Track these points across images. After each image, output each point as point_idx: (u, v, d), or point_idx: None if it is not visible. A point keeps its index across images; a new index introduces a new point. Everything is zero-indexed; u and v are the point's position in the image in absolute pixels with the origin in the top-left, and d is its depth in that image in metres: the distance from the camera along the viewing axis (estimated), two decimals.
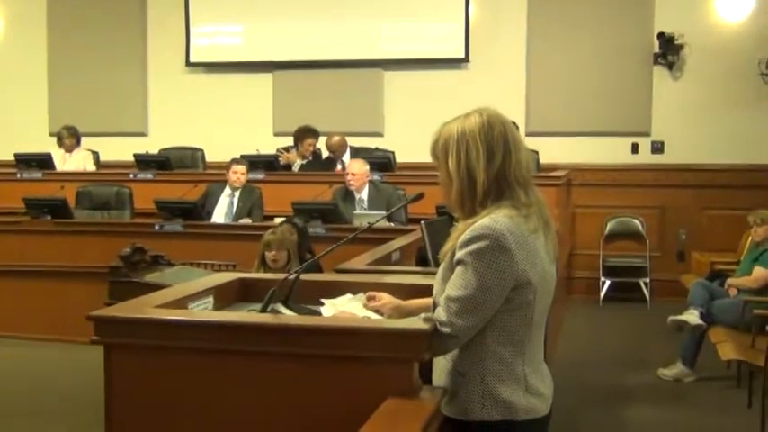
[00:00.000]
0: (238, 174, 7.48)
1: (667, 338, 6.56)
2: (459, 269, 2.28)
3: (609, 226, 9.05)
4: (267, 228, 5.51)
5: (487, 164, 2.33)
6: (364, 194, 7.29)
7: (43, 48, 10.61)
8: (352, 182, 7.24)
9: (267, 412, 2.31)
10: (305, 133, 8.84)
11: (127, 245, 5.60)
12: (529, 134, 9.29)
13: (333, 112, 9.64)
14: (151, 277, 5.33)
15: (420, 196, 3.01)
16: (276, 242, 5.15)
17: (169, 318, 2.40)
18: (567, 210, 8.62)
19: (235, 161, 7.61)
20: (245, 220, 7.33)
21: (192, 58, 10.24)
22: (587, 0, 9.36)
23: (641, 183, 9.12)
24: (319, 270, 5.28)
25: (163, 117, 10.39)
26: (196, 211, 7.22)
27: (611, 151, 9.25)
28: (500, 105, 8.93)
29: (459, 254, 2.28)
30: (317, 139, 8.89)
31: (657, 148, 9.23)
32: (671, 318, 6.10)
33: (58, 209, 7.31)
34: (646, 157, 9.27)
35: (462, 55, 9.59)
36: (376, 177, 7.60)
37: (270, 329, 2.35)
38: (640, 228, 9.00)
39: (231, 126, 9.96)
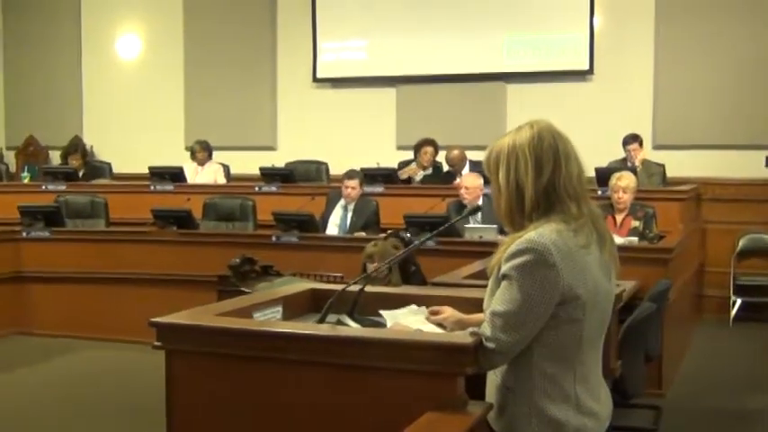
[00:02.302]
0: (349, 188, 7.58)
1: None
2: (504, 284, 2.26)
3: (741, 243, 8.64)
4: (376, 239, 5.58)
5: (536, 177, 2.30)
6: None
7: (180, 67, 11.11)
8: (465, 195, 7.21)
9: (313, 421, 2.35)
10: (422, 143, 8.92)
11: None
12: (656, 147, 9.04)
13: (455, 126, 9.67)
14: (260, 287, 5.48)
15: (477, 209, 2.99)
16: (378, 254, 5.20)
17: (221, 326, 2.48)
18: (695, 225, 8.31)
19: (347, 175, 7.69)
20: (361, 234, 7.41)
21: (319, 74, 10.49)
22: (718, 8, 9.00)
23: None
24: (423, 283, 5.32)
25: (291, 131, 10.68)
26: (312, 223, 7.37)
27: (743, 165, 8.82)
28: (626, 118, 8.74)
29: (505, 268, 2.26)
30: (435, 148, 8.93)
31: None
32: None
33: (183, 220, 7.62)
34: None
35: (586, 67, 9.41)
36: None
37: (314, 340, 2.39)
38: None
39: (355, 140, 10.14)
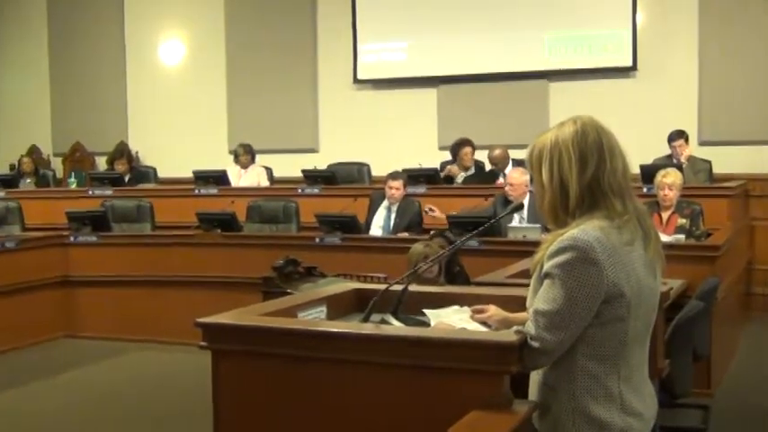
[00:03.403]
0: (393, 189, 7.57)
1: None
2: (547, 282, 2.23)
3: None
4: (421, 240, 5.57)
5: (580, 173, 2.26)
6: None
7: (222, 71, 11.20)
8: (510, 191, 7.13)
9: (358, 420, 2.35)
10: (460, 144, 8.87)
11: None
12: (702, 143, 8.92)
13: (498, 125, 9.62)
14: (304, 288, 5.51)
15: (520, 206, 2.96)
16: (433, 255, 5.18)
17: (266, 325, 2.49)
18: (743, 222, 8.18)
19: (391, 176, 7.68)
20: (404, 234, 7.40)
21: (360, 76, 10.51)
22: (763, 1, 8.86)
23: None
24: (467, 283, 5.30)
25: (332, 133, 10.73)
26: (355, 225, 7.38)
27: None
28: (671, 114, 8.63)
29: (547, 266, 2.23)
30: (473, 148, 8.88)
31: None
32: None
33: (227, 222, 7.67)
34: None
35: (630, 63, 9.31)
36: None
37: (358, 339, 2.39)
38: None
39: (397, 140, 10.13)
